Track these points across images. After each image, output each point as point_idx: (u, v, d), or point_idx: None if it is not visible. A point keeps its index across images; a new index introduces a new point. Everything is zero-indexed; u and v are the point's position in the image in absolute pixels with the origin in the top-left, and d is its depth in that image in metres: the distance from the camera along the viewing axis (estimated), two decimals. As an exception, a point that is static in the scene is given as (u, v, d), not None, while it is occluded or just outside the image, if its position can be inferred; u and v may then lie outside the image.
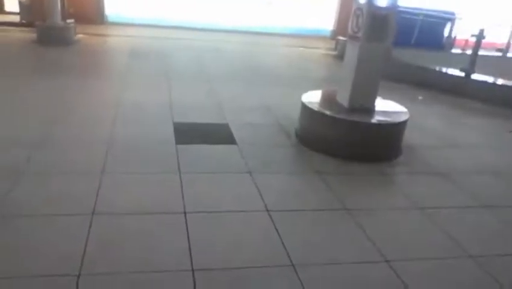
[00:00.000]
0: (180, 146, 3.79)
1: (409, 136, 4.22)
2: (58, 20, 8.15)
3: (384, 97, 4.49)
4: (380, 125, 3.93)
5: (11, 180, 2.96)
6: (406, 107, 4.41)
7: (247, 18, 11.22)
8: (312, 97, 4.40)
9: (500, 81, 6.72)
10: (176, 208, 2.82)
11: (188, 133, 4.11)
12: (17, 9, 9.89)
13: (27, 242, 2.36)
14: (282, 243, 2.55)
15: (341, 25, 10.97)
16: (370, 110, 4.09)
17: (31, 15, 9.32)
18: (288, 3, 11.84)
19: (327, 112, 3.94)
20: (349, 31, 4.08)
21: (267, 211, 2.89)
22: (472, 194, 3.48)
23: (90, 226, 2.53)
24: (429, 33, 8.19)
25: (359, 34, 3.84)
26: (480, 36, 6.88)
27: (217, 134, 4.18)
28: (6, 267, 2.15)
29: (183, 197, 2.96)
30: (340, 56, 8.73)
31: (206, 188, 3.14)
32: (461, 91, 6.59)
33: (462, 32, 8.66)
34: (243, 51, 9.07)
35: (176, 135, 4.04)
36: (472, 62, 6.88)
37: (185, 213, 2.77)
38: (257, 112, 4.98)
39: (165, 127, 4.22)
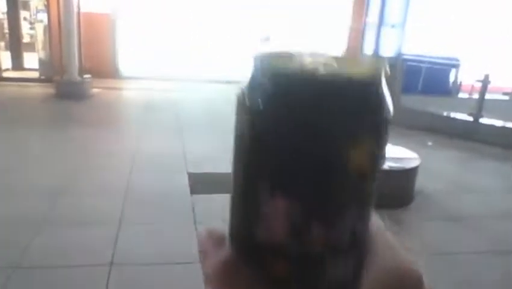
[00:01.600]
0: (195, 196, 3.85)
1: (421, 182, 4.25)
2: (75, 75, 8.49)
3: (394, 144, 4.56)
4: (392, 171, 3.97)
5: (31, 231, 3.03)
6: (416, 153, 4.46)
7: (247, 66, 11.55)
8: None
9: (509, 124, 6.78)
10: (194, 258, 2.85)
11: (203, 183, 4.18)
12: (36, 65, 10.36)
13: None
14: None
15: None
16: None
17: (49, 71, 9.73)
18: (286, 40, 12.15)
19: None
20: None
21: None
22: (488, 239, 3.46)
23: (109, 277, 2.56)
24: (435, 79, 8.37)
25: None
26: (485, 81, 7.02)
27: (230, 183, 4.23)
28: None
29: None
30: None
31: (222, 237, 3.16)
32: (470, 136, 6.65)
33: (467, 77, 8.84)
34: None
35: (191, 185, 4.11)
36: (479, 106, 6.97)
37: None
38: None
39: (179, 177, 4.31)
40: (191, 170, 4.51)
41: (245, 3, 11.70)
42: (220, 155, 5.08)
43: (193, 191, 3.98)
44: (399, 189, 4.04)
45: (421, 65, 8.22)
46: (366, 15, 3.97)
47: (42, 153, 4.87)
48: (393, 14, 3.81)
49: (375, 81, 0.30)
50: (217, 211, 3.58)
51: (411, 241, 3.38)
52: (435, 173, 4.96)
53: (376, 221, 0.35)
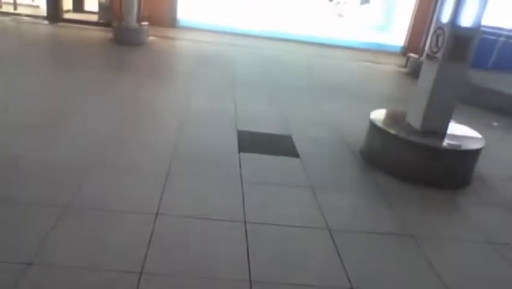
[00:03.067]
0: (243, 154, 3.80)
1: (481, 165, 3.97)
2: (134, 22, 8.52)
3: (457, 121, 4.26)
4: (453, 151, 3.72)
5: (83, 174, 3.10)
6: (480, 133, 4.16)
7: (317, 29, 11.16)
8: (381, 116, 4.27)
9: None
10: (237, 217, 2.82)
11: (252, 142, 4.12)
12: (95, 9, 10.49)
13: (97, 235, 2.45)
14: (344, 267, 2.47)
15: (412, 42, 10.63)
16: (443, 134, 3.89)
17: (108, 15, 9.83)
18: (359, 16, 11.66)
19: (397, 133, 3.80)
20: (427, 50, 3.92)
21: (329, 230, 2.82)
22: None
23: (154, 226, 2.59)
24: (509, 56, 7.70)
25: (439, 54, 3.68)
26: None
27: (281, 146, 4.15)
28: (75, 256, 2.24)
29: (244, 206, 2.96)
30: (411, 74, 8.46)
31: (267, 199, 3.12)
32: (541, 120, 6.14)
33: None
34: (310, 63, 9.02)
35: (240, 143, 4.06)
36: (556, 90, 6.39)
37: (245, 222, 2.77)
38: (321, 126, 4.91)
39: (229, 134, 4.26)
40: (241, 128, 4.44)
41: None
42: (270, 116, 5.00)
43: (242, 149, 3.92)
44: (459, 170, 3.80)
45: (496, 38, 7.57)
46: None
47: (93, 98, 4.96)
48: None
49: None
50: (262, 171, 3.54)
51: (464, 225, 3.19)
52: (498, 157, 4.63)
53: None
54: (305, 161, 3.85)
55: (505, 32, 7.79)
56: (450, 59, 3.65)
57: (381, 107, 4.64)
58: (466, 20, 3.59)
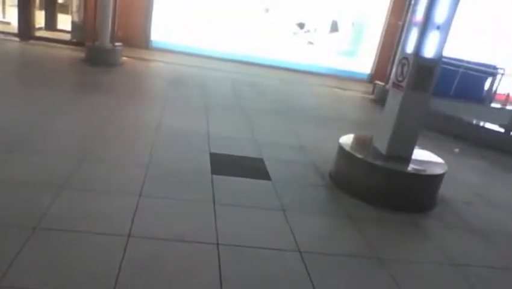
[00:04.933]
0: (215, 176, 3.85)
1: (444, 189, 4.16)
2: (107, 42, 8.52)
3: (421, 147, 4.46)
4: (418, 175, 3.89)
5: (53, 194, 3.06)
6: (443, 159, 4.36)
7: (288, 55, 11.44)
8: (349, 140, 4.42)
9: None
10: (210, 239, 2.85)
11: (224, 165, 4.17)
12: (69, 27, 10.42)
13: (66, 258, 2.42)
14: (313, 287, 2.53)
15: (378, 70, 11.04)
16: (408, 159, 4.06)
17: (81, 34, 9.79)
18: (328, 44, 12.04)
19: (365, 158, 3.95)
20: (393, 78, 4.12)
21: (300, 252, 2.88)
22: (507, 255, 3.37)
23: (125, 248, 2.58)
24: (469, 85, 8.14)
25: (403, 83, 3.87)
26: (522, 93, 6.81)
27: (252, 168, 4.22)
28: (43, 279, 2.21)
29: (216, 228, 2.99)
30: (377, 101, 8.76)
31: (239, 221, 3.16)
32: (499, 147, 6.47)
33: (503, 87, 8.56)
34: (280, 87, 9.22)
35: (212, 165, 4.11)
36: (512, 118, 6.77)
37: (218, 244, 2.80)
38: (292, 149, 5.02)
39: (202, 156, 4.30)
40: (213, 150, 4.49)
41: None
42: (242, 138, 5.08)
43: (214, 171, 3.97)
44: (423, 194, 3.97)
45: (457, 69, 8.00)
46: (408, 12, 3.83)
47: (65, 117, 4.92)
48: (440, 13, 3.66)
49: None
50: (235, 193, 3.59)
51: (429, 248, 3.32)
52: (459, 181, 4.85)
53: None
54: (276, 183, 3.93)
55: (464, 64, 8.24)
56: (414, 88, 3.85)
57: (349, 132, 4.80)
58: (429, 51, 3.81)
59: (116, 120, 5.10)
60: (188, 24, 11.28)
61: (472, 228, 3.77)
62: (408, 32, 3.99)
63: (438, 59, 3.83)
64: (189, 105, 6.40)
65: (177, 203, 3.26)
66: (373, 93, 9.59)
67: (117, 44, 8.77)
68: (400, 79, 3.96)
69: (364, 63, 11.67)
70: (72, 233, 2.66)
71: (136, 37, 10.31)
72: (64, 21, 11.13)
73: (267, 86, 9.11)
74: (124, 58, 8.88)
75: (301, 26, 11.93)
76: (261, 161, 4.45)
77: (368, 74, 11.50)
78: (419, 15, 3.79)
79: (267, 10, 11.61)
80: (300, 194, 3.82)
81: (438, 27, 3.73)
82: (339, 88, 10.16)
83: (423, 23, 3.73)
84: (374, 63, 11.44)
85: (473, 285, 2.87)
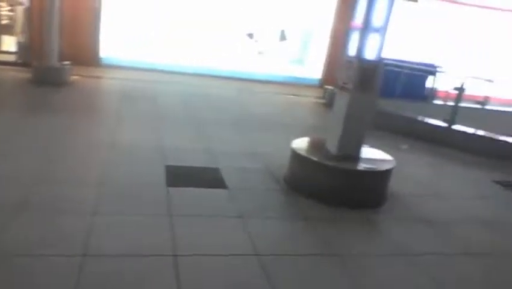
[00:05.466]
0: (171, 189, 3.86)
1: (393, 184, 4.35)
2: (55, 61, 8.31)
3: (370, 145, 4.65)
4: (367, 172, 4.07)
5: (6, 218, 2.98)
6: (391, 155, 4.57)
7: (240, 65, 11.58)
8: (302, 144, 4.55)
9: (480, 132, 6.99)
10: (167, 251, 2.86)
11: (179, 176, 4.19)
12: (14, 48, 10.08)
13: (21, 281, 2.37)
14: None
15: (328, 75, 11.36)
16: (357, 158, 4.23)
17: (27, 55, 9.48)
18: (279, 52, 12.28)
19: (316, 159, 4.08)
20: (339, 82, 4.29)
21: (257, 255, 2.94)
22: (454, 242, 3.59)
23: (81, 268, 2.55)
24: (412, 84, 8.57)
25: (349, 85, 4.05)
26: (461, 89, 7.23)
27: (208, 178, 4.26)
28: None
29: (174, 239, 3.00)
30: (328, 104, 9.00)
31: (196, 231, 3.19)
32: (443, 141, 6.83)
33: (443, 84, 9.05)
34: (233, 97, 9.31)
35: (168, 177, 4.11)
36: (453, 113, 7.17)
37: (176, 256, 2.81)
38: (247, 157, 5.10)
39: (156, 169, 4.30)
40: (168, 163, 4.50)
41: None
42: (197, 149, 5.11)
43: (169, 183, 3.98)
44: (374, 190, 4.14)
45: (400, 70, 8.40)
46: (352, 17, 4.01)
47: (15, 140, 4.77)
48: (377, 17, 3.87)
49: None
50: (191, 204, 3.61)
51: (382, 241, 3.47)
52: (408, 176, 5.08)
53: None
54: (232, 191, 3.99)
55: (407, 64, 8.67)
56: (360, 89, 4.03)
57: (302, 136, 4.94)
58: (370, 54, 4.01)
59: (68, 139, 5.00)
60: (138, 39, 11.19)
61: (421, 219, 3.97)
62: (350, 36, 4.18)
63: (380, 61, 4.04)
64: (142, 120, 6.36)
65: (133, 219, 3.25)
66: (324, 97, 9.86)
67: (65, 62, 8.57)
68: (345, 81, 4.13)
69: (314, 69, 11.98)
70: (26, 258, 2.60)
71: (85, 54, 10.11)
72: (9, 43, 10.76)
73: (221, 97, 9.18)
74: (73, 77, 8.69)
75: (251, 36, 12.11)
76: (217, 170, 4.49)
77: (319, 80, 11.82)
78: (359, 20, 3.99)
79: (216, 21, 11.71)
80: (257, 200, 3.90)
81: (376, 30, 3.93)
82: (292, 94, 10.37)
83: (363, 27, 3.93)
84: (324, 68, 11.78)
85: (424, 271, 3.04)
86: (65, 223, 3.06)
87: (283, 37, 12.35)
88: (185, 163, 4.59)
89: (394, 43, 10.16)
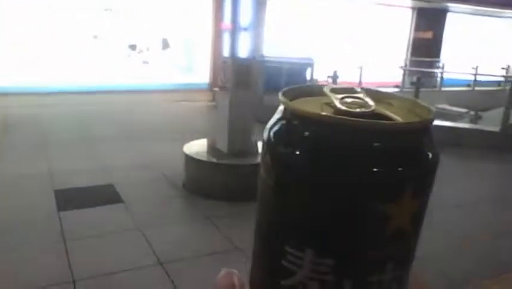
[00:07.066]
0: (63, 213, 3.67)
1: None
2: None
3: (256, 139, 4.85)
4: (257, 165, 4.23)
5: None
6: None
7: (126, 78, 11.25)
8: (194, 147, 4.60)
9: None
10: (64, 278, 2.73)
11: (71, 199, 3.99)
12: None
13: None
14: (177, 290, 2.63)
15: (215, 78, 11.56)
16: (249, 153, 4.39)
17: None
18: (164, 61, 12.18)
19: (208, 159, 4.17)
20: (219, 82, 4.43)
21: (161, 264, 2.94)
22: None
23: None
24: (294, 77, 9.08)
25: (228, 84, 4.20)
26: (335, 76, 7.86)
27: (102, 195, 4.12)
28: None
29: (70, 265, 2.88)
30: (218, 106, 9.18)
31: (94, 251, 3.09)
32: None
33: (320, 74, 9.75)
34: (123, 110, 9.03)
35: (58, 202, 3.90)
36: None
37: (74, 281, 2.70)
38: (143, 169, 5.01)
39: (46, 195, 4.05)
40: (57, 187, 4.26)
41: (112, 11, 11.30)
42: (89, 169, 4.89)
43: (61, 208, 3.78)
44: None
45: (281, 66, 8.89)
46: (223, 19, 4.18)
47: None
48: (244, 17, 4.09)
49: (420, 129, 0.27)
50: (86, 225, 3.48)
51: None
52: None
53: (418, 276, 0.32)
54: (129, 204, 3.91)
55: (287, 60, 9.23)
56: (238, 86, 4.20)
57: (196, 140, 4.98)
58: (243, 52, 4.20)
59: None
60: (14, 61, 10.30)
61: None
62: (222, 38, 4.34)
63: (253, 58, 4.25)
64: (27, 148, 5.89)
65: (24, 251, 3.04)
66: (214, 100, 10.02)
67: None
68: (224, 81, 4.28)
69: (201, 73, 12.11)
70: None
71: None
72: None
73: (111, 112, 8.87)
74: None
75: (133, 47, 11.84)
76: (111, 186, 4.36)
77: (208, 84, 11.97)
78: (227, 21, 4.16)
79: (95, 37, 11.24)
80: (155, 209, 3.87)
81: (245, 30, 4.14)
82: (184, 100, 10.38)
83: (232, 27, 4.10)
84: (210, 72, 11.96)
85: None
86: None
87: (166, 45, 12.28)
88: (76, 185, 4.38)
89: (273, 42, 10.75)
